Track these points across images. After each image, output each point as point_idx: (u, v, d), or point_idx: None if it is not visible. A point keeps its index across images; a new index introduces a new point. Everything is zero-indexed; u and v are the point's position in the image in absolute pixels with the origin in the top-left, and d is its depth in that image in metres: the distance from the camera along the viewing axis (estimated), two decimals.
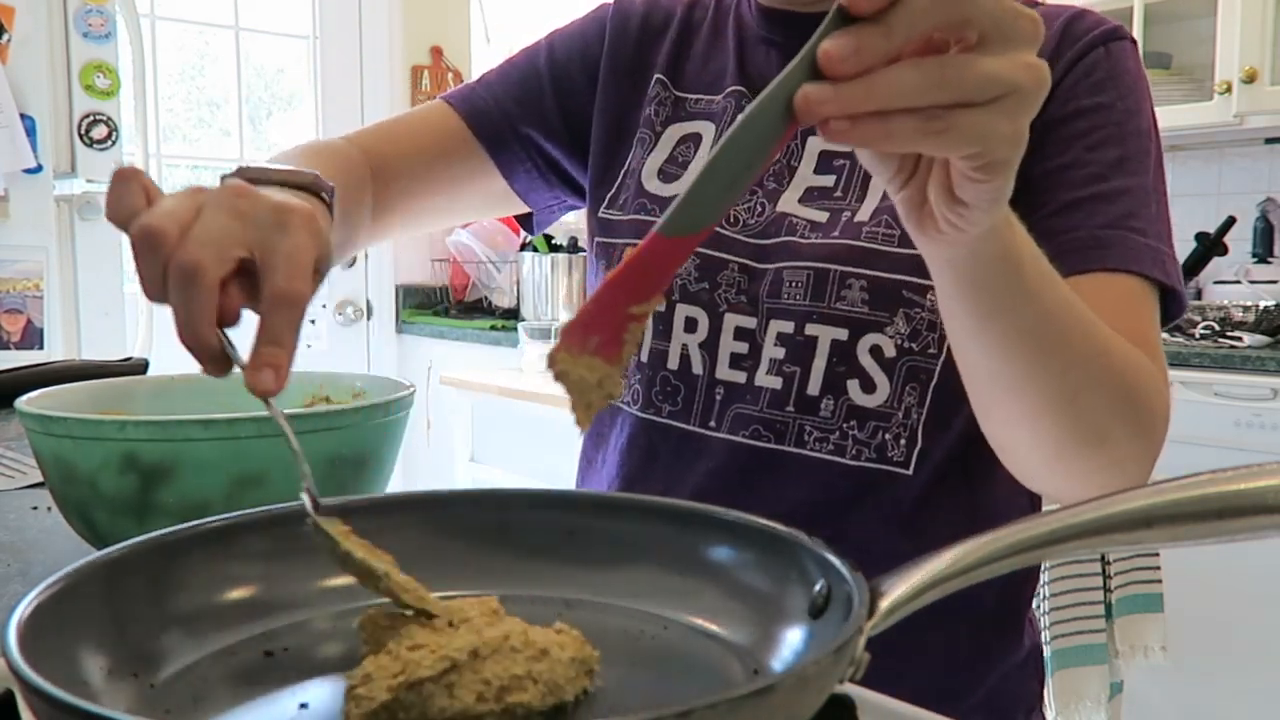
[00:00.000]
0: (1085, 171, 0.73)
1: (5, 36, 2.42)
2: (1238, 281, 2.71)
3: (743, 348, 0.79)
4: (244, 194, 0.51)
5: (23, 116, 2.43)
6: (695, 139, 0.85)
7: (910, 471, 0.76)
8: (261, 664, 0.47)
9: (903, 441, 0.76)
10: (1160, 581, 1.60)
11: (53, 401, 0.77)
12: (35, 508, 0.89)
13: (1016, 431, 0.67)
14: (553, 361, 0.45)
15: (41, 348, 2.50)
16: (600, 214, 0.88)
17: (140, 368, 1.46)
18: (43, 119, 2.48)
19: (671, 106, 0.87)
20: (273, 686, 0.45)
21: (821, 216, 0.77)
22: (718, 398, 0.80)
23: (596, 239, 0.89)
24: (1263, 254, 2.78)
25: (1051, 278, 0.59)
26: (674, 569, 0.52)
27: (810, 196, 0.79)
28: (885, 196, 0.75)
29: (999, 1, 0.40)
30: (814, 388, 0.76)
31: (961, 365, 0.66)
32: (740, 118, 0.41)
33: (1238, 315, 2.51)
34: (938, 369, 0.74)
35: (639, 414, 0.85)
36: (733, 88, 0.85)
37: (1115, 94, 0.75)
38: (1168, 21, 2.81)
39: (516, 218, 1.02)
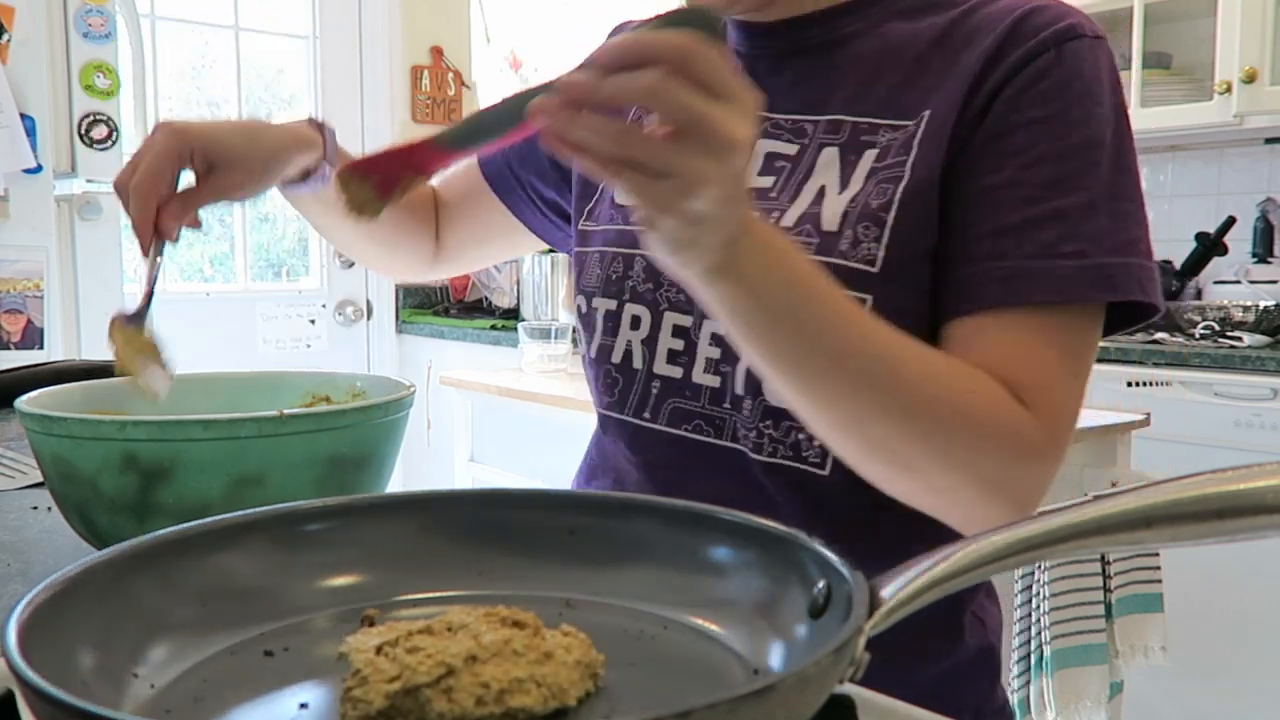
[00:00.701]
0: (1019, 193, 0.71)
1: (5, 36, 2.42)
2: (1238, 281, 2.71)
3: (679, 345, 0.82)
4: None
5: (23, 116, 2.43)
6: None
7: (827, 472, 0.77)
8: (261, 664, 0.47)
9: (816, 443, 0.76)
10: (1160, 581, 1.61)
11: (53, 401, 0.77)
12: (35, 508, 0.89)
13: (831, 448, 0.71)
14: (340, 174, 0.64)
15: (41, 348, 2.50)
16: (579, 226, 0.93)
17: None
18: (43, 119, 2.48)
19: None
20: (273, 686, 0.45)
21: None
22: (654, 391, 0.84)
23: (575, 248, 0.93)
24: (1263, 254, 2.78)
25: (826, 311, 0.64)
26: (674, 569, 0.52)
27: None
28: (814, 202, 0.76)
29: (698, 112, 0.50)
30: (739, 387, 0.79)
31: None
32: (505, 98, 0.57)
33: (1238, 315, 2.51)
34: None
35: (600, 410, 0.91)
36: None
37: (1061, 104, 0.71)
38: (1168, 21, 2.81)
39: None
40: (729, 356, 0.79)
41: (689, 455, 0.82)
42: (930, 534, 0.79)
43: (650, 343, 0.84)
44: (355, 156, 0.68)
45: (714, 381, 0.80)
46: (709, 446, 0.81)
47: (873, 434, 0.67)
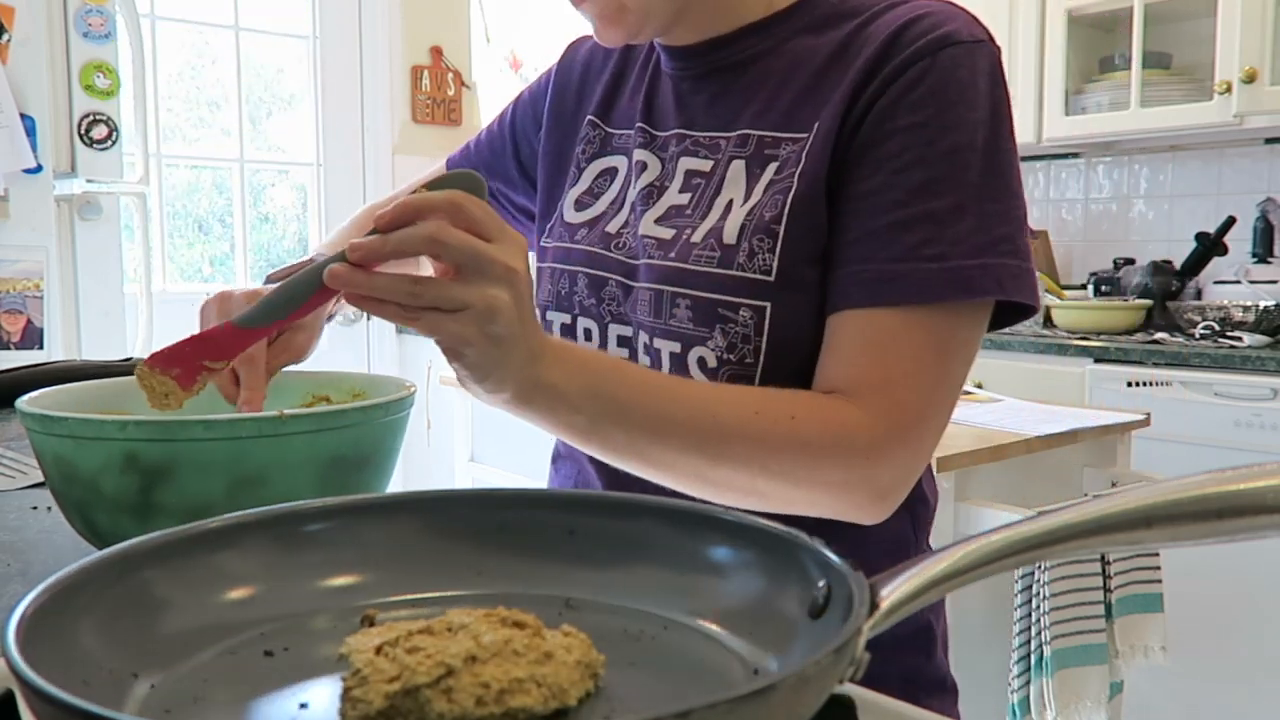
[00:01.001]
0: (888, 198, 0.74)
1: (5, 36, 2.43)
2: (1238, 281, 2.71)
3: (624, 354, 0.87)
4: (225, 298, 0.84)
5: (23, 116, 2.43)
6: (612, 172, 0.92)
7: None
8: (261, 664, 0.47)
9: None
10: (1160, 581, 1.61)
11: (54, 401, 0.77)
12: (35, 508, 0.89)
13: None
14: (139, 370, 0.68)
15: (41, 348, 2.51)
16: (540, 243, 0.97)
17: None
18: (43, 119, 2.48)
19: (599, 143, 0.94)
20: (273, 686, 0.45)
21: (669, 234, 0.83)
22: None
23: (536, 263, 0.98)
24: (1263, 254, 2.78)
25: (631, 390, 0.71)
26: (674, 569, 0.52)
27: (668, 215, 0.85)
28: (721, 217, 0.80)
29: (474, 248, 0.59)
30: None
31: None
32: (300, 272, 0.64)
33: (1238, 315, 2.51)
34: (757, 376, 0.79)
35: None
36: (639, 124, 0.91)
37: (932, 110, 0.74)
38: (1168, 21, 2.81)
39: None
40: (655, 365, 0.84)
41: None
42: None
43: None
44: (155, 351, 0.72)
45: None
46: None
47: (717, 480, 0.73)
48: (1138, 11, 2.69)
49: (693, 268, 0.80)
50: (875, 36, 0.77)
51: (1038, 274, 0.78)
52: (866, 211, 0.75)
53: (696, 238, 0.81)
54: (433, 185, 0.63)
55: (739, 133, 0.82)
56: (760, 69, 0.83)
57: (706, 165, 0.84)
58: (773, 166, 0.79)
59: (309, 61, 3.48)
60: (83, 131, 2.57)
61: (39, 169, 2.46)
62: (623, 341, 0.87)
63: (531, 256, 1.15)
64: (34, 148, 2.44)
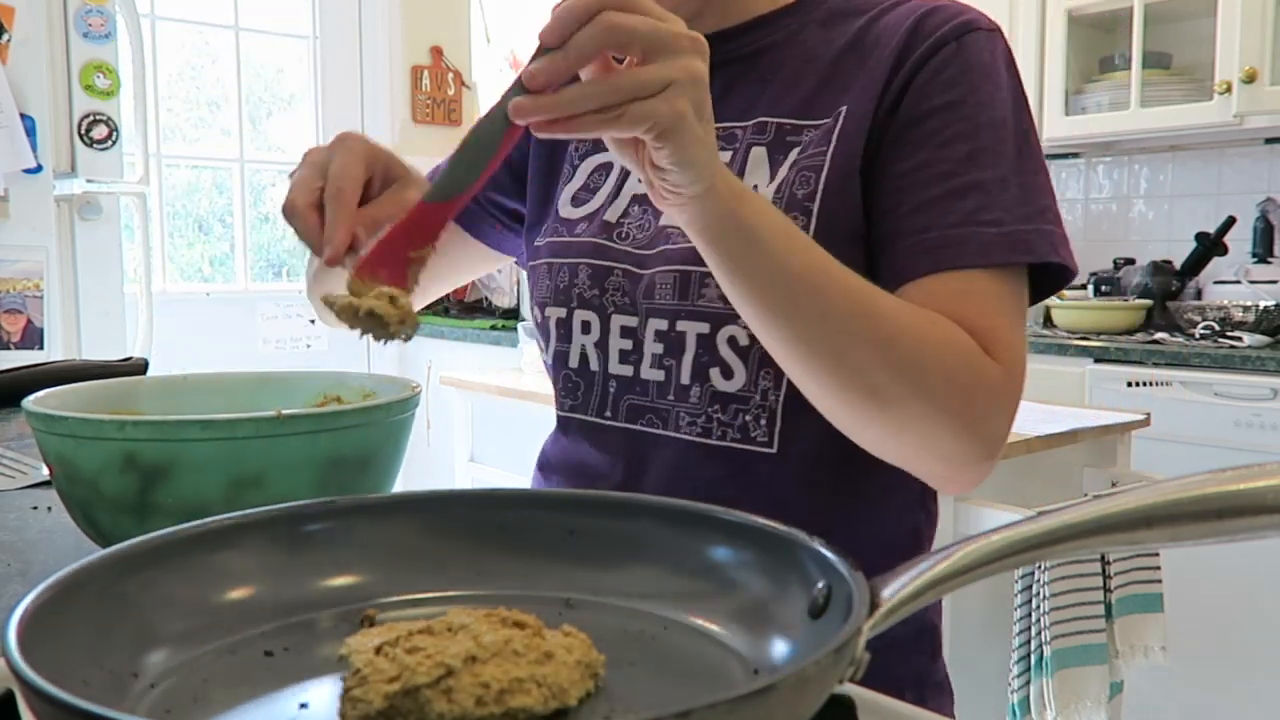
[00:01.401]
0: (936, 170, 0.76)
1: (5, 36, 2.43)
2: (1238, 281, 2.71)
3: (628, 344, 0.87)
4: (313, 150, 0.72)
5: (23, 116, 2.43)
6: (607, 167, 0.92)
7: (774, 450, 0.82)
8: (261, 664, 0.47)
9: (763, 422, 0.82)
10: (1160, 581, 1.61)
11: (59, 401, 0.77)
12: (35, 508, 0.89)
13: (807, 389, 0.74)
14: (349, 286, 0.61)
15: (41, 348, 2.51)
16: (532, 243, 0.96)
17: (140, 368, 1.46)
18: (43, 119, 2.48)
19: (592, 141, 0.94)
20: (273, 686, 0.45)
21: None
22: (611, 390, 0.88)
23: (528, 263, 0.97)
24: (1263, 254, 2.78)
25: (799, 244, 0.68)
26: (674, 569, 0.52)
27: None
28: None
29: (655, 26, 0.56)
30: (685, 377, 0.84)
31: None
32: (476, 121, 0.59)
33: (1238, 315, 2.51)
34: None
35: (557, 410, 0.95)
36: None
37: (966, 88, 0.77)
38: (1168, 21, 2.81)
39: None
40: (671, 350, 0.84)
41: (646, 448, 0.86)
42: (876, 503, 0.85)
43: (602, 345, 0.88)
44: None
45: (659, 376, 0.85)
46: (653, 437, 0.86)
47: (853, 361, 0.70)
48: (1138, 11, 2.69)
49: None
50: (892, 27, 0.80)
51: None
52: (917, 185, 0.76)
53: None
54: None
55: (755, 121, 0.83)
56: (771, 60, 0.85)
57: (725, 156, 0.83)
58: (795, 150, 0.80)
59: (309, 61, 3.48)
60: (83, 131, 2.57)
61: (39, 169, 2.46)
62: (626, 332, 0.86)
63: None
64: (34, 148, 2.44)
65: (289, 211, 0.68)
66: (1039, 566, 1.50)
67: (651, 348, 0.85)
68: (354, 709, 0.40)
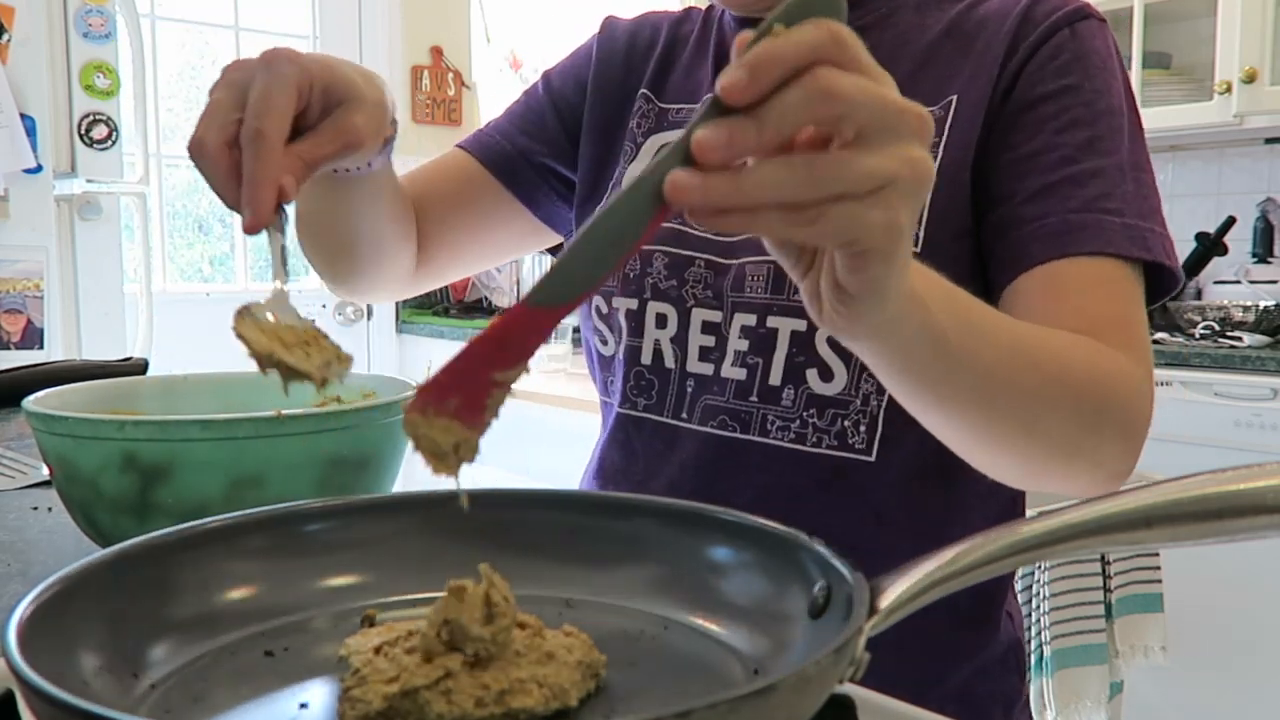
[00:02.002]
0: (1055, 155, 0.73)
1: (5, 36, 2.42)
2: (1238, 281, 2.71)
3: (709, 341, 0.81)
4: (234, 66, 0.58)
5: (23, 116, 2.43)
6: None
7: (873, 459, 0.77)
8: (261, 664, 0.47)
9: (862, 428, 0.77)
10: (1160, 581, 1.60)
11: (59, 401, 0.77)
12: (35, 508, 0.89)
13: (984, 460, 0.68)
14: (406, 421, 0.44)
15: (41, 348, 2.50)
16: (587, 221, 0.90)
17: (140, 368, 1.46)
18: (43, 119, 2.48)
19: (654, 118, 0.91)
20: (273, 686, 0.45)
21: None
22: (689, 390, 0.83)
23: None
24: (1263, 254, 2.78)
25: (985, 331, 0.59)
26: (674, 569, 0.52)
27: None
28: None
29: (880, 97, 0.40)
30: (775, 378, 0.78)
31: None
32: (615, 196, 0.43)
33: (1238, 315, 2.51)
34: None
35: (619, 409, 0.88)
36: (708, 96, 0.86)
37: (1082, 74, 0.75)
38: (1168, 21, 2.81)
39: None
40: (759, 348, 0.79)
41: (721, 452, 0.81)
42: (967, 508, 0.81)
43: (680, 341, 0.83)
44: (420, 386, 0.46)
45: (740, 375, 0.80)
46: (732, 441, 0.81)
47: (1044, 428, 0.64)
48: (1138, 11, 2.69)
49: None
50: (997, 15, 0.78)
51: None
52: (1035, 170, 0.73)
53: None
54: (789, 15, 0.40)
55: None
56: (865, 42, 0.81)
57: None
58: None
59: None
60: (83, 131, 2.57)
61: (39, 169, 2.46)
62: (708, 328, 0.81)
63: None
64: (34, 148, 2.44)
65: (195, 150, 0.55)
66: (1039, 566, 1.50)
67: (735, 344, 0.80)
68: (353, 709, 0.40)
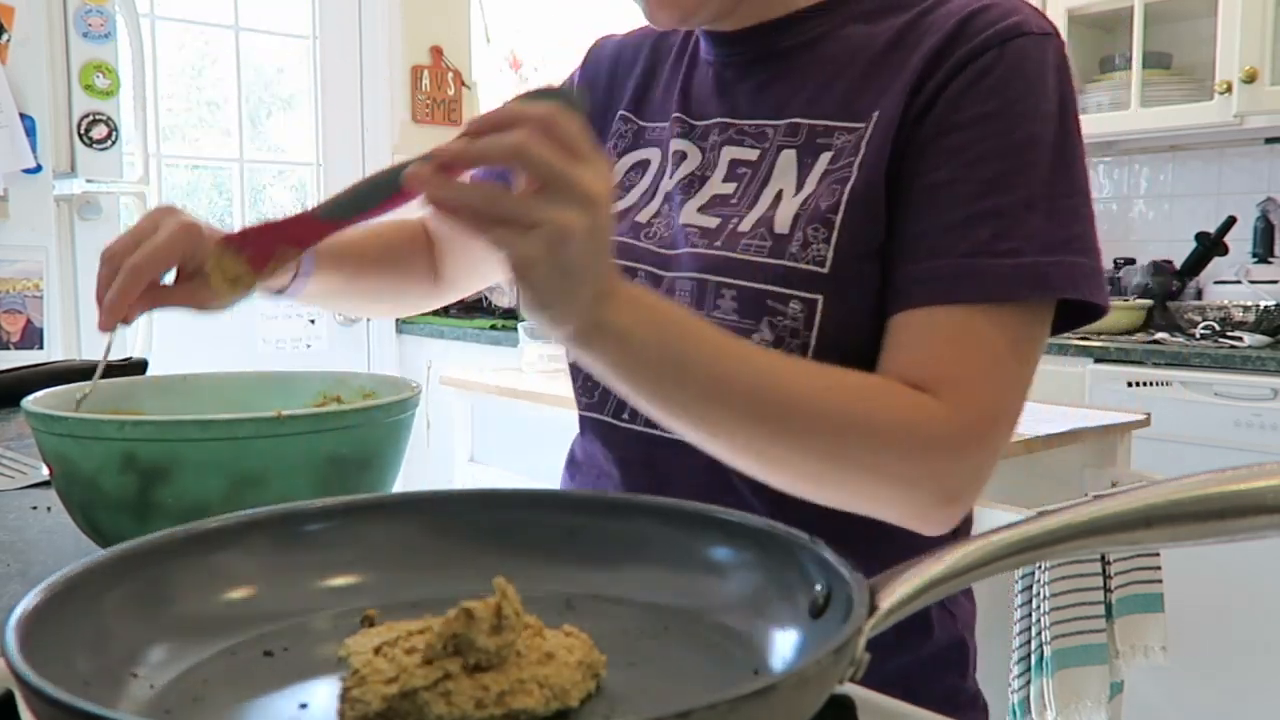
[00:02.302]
0: (959, 190, 0.72)
1: (5, 36, 2.43)
2: (1238, 281, 2.71)
3: None
4: (147, 215, 0.81)
5: (23, 116, 2.43)
6: (643, 165, 0.90)
7: None
8: (261, 664, 0.47)
9: None
10: (1160, 581, 1.60)
11: (58, 401, 0.77)
12: (35, 508, 0.89)
13: (771, 480, 0.73)
14: (213, 250, 0.70)
15: (41, 348, 2.51)
16: None
17: (140, 367, 1.46)
18: (43, 119, 2.48)
19: (632, 137, 0.92)
20: (273, 686, 0.45)
21: (713, 223, 0.81)
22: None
23: None
24: (1263, 254, 2.78)
25: (698, 347, 0.66)
26: (674, 569, 0.52)
27: (712, 204, 0.83)
28: (770, 206, 0.78)
29: (558, 166, 0.55)
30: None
31: None
32: (381, 169, 0.62)
33: (1238, 315, 2.51)
34: None
35: (580, 410, 0.94)
36: (675, 114, 0.89)
37: (1003, 100, 0.72)
38: (1168, 21, 2.81)
39: None
40: None
41: (661, 451, 0.84)
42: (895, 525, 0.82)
43: None
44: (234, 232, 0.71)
45: None
46: (667, 441, 0.82)
47: (775, 458, 0.70)
48: (1138, 11, 2.69)
49: (741, 257, 0.78)
50: (938, 25, 0.75)
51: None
52: (936, 204, 0.72)
53: (744, 227, 0.78)
54: (530, 97, 0.59)
55: (788, 121, 0.80)
56: (811, 56, 0.81)
57: (753, 154, 0.82)
58: (826, 156, 0.77)
59: (309, 61, 3.48)
60: (83, 131, 2.57)
61: (39, 169, 2.46)
62: None
63: None
64: (34, 148, 2.44)
65: (104, 256, 0.80)
66: (1039, 566, 1.50)
67: None
68: (352, 709, 0.40)
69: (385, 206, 0.63)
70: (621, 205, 0.89)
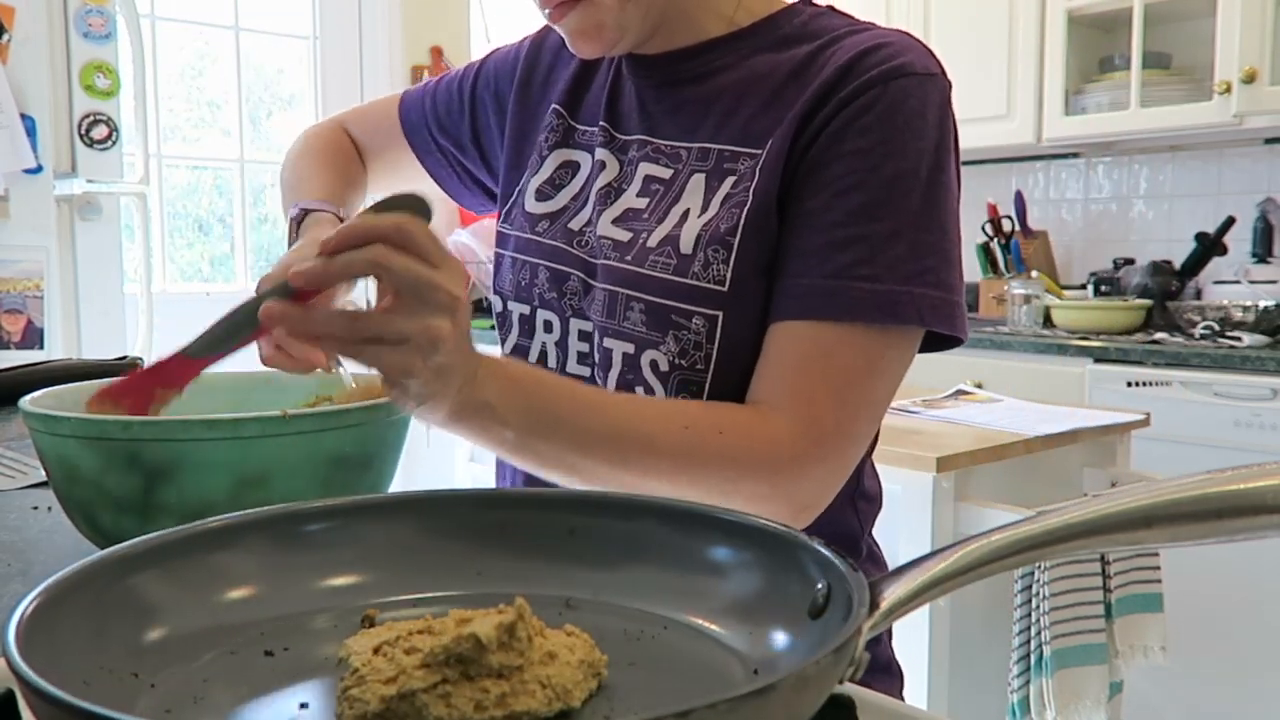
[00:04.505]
0: (827, 218, 0.77)
1: (5, 36, 2.43)
2: (1237, 281, 2.71)
3: (585, 348, 0.88)
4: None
5: (23, 116, 2.43)
6: (574, 166, 0.92)
7: None
8: (261, 664, 0.47)
9: None
10: (1160, 581, 1.61)
11: (57, 401, 0.77)
12: (35, 508, 0.89)
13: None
14: (92, 399, 0.70)
15: (41, 348, 2.51)
16: (499, 227, 0.97)
17: (134, 367, 1.46)
18: (43, 119, 2.48)
19: (562, 134, 0.94)
20: (273, 686, 0.45)
21: (625, 236, 0.84)
22: None
23: (495, 247, 0.98)
24: (1262, 254, 2.78)
25: (562, 405, 0.73)
26: (674, 569, 0.52)
27: (625, 217, 0.86)
28: (677, 224, 0.82)
29: (417, 274, 0.58)
30: (612, 390, 0.85)
31: None
32: (235, 305, 0.64)
33: (1237, 315, 2.51)
34: (707, 381, 0.81)
35: None
36: (601, 122, 0.91)
37: (878, 137, 0.76)
38: (1168, 21, 2.81)
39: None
40: (601, 364, 0.85)
41: None
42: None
43: (562, 345, 0.89)
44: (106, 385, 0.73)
45: (599, 382, 0.86)
46: None
47: (644, 490, 0.73)
48: (1138, 11, 2.69)
49: (648, 273, 0.82)
50: (833, 60, 0.79)
51: (965, 306, 0.81)
52: (807, 229, 0.77)
53: (652, 242, 0.82)
54: (379, 207, 0.62)
55: (699, 145, 0.84)
56: (720, 83, 0.85)
57: (667, 173, 0.85)
58: (730, 180, 0.81)
59: (309, 61, 3.48)
60: (83, 131, 2.57)
61: (39, 169, 2.46)
62: (584, 336, 0.88)
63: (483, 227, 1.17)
64: (34, 148, 2.44)
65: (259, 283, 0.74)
66: (1039, 566, 1.50)
67: (598, 355, 0.87)
68: (351, 709, 0.40)
69: (247, 340, 0.65)
70: (553, 206, 0.91)
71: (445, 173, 1.09)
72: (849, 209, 0.76)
